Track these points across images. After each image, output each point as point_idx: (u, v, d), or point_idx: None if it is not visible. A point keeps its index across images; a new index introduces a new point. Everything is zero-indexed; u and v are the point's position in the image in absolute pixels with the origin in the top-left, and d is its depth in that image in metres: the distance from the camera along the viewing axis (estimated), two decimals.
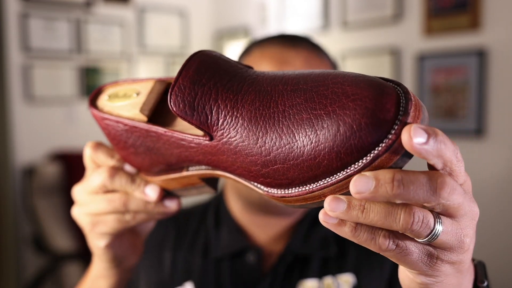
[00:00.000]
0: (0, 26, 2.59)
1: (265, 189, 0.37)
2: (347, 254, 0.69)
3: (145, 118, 0.43)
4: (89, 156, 0.49)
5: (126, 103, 0.45)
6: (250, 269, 0.70)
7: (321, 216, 0.33)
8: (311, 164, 0.33)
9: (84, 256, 2.38)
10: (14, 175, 2.65)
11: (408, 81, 2.32)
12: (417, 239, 0.32)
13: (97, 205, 0.47)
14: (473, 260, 0.43)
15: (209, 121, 0.37)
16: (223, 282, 0.70)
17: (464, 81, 2.12)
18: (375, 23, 2.42)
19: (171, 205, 0.47)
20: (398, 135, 0.30)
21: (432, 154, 0.29)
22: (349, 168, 0.32)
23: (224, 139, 0.37)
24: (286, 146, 0.34)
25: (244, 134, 0.36)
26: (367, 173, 0.30)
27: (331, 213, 0.31)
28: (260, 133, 0.36)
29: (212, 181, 0.45)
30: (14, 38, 2.66)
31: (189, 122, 0.38)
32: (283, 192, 0.36)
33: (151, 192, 0.46)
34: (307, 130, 0.33)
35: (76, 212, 0.50)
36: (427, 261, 0.33)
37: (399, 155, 0.30)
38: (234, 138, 0.37)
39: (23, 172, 2.65)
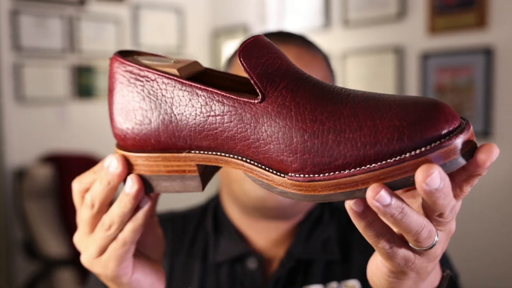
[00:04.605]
0: None
1: (289, 174, 0.35)
2: (351, 260, 0.68)
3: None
4: (77, 190, 0.44)
5: (162, 63, 0.42)
6: (251, 275, 0.68)
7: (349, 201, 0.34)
8: (367, 141, 0.33)
9: (76, 261, 2.35)
10: (4, 178, 2.61)
11: (412, 81, 2.28)
12: (415, 247, 0.35)
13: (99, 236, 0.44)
14: (444, 271, 0.46)
15: (270, 82, 0.36)
16: None
17: (470, 80, 2.06)
18: (378, 21, 2.38)
19: (143, 205, 0.42)
20: (460, 140, 0.31)
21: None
22: (406, 154, 0.32)
23: (280, 102, 0.36)
24: (349, 118, 0.34)
25: (302, 103, 0.35)
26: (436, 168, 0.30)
27: (373, 202, 0.31)
28: (321, 104, 0.35)
29: (205, 176, 0.42)
30: (4, 36, 2.62)
31: (251, 71, 0.36)
32: (311, 176, 0.34)
33: (129, 180, 0.40)
34: (372, 111, 0.34)
35: (87, 261, 0.46)
36: (404, 262, 0.36)
37: (450, 158, 0.31)
38: (289, 103, 0.36)
39: (14, 174, 2.62)
